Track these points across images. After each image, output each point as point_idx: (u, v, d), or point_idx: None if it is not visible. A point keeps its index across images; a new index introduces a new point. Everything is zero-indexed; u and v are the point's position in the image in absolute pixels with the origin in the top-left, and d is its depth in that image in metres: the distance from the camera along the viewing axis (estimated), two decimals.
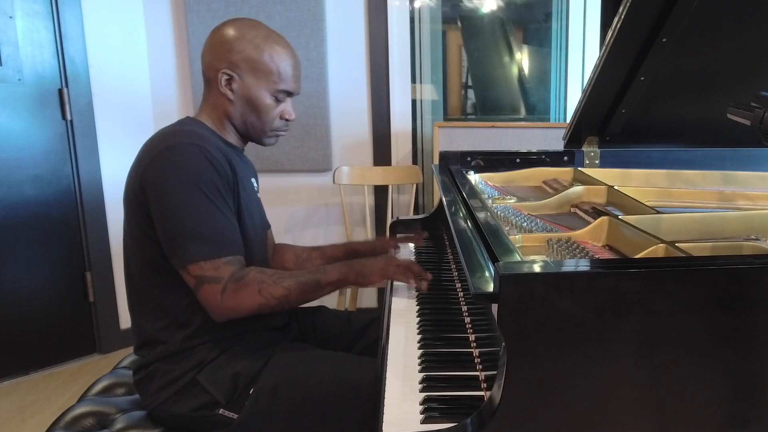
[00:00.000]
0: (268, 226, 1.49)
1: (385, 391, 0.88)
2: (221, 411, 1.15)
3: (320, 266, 1.26)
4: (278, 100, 1.28)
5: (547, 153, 1.76)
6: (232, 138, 1.30)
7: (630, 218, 1.08)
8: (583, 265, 0.78)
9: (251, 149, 2.78)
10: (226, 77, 1.23)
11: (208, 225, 1.12)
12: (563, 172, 1.69)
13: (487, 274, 0.78)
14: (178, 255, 1.12)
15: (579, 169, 1.66)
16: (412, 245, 1.68)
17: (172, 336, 1.19)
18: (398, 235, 1.75)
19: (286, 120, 1.31)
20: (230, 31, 1.23)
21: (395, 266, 1.25)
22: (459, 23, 3.18)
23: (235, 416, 1.15)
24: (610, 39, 1.27)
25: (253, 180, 1.37)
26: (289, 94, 1.29)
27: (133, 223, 1.19)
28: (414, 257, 1.59)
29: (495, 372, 0.73)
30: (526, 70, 3.27)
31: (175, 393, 1.17)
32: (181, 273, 1.14)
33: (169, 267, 1.16)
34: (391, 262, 1.27)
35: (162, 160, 1.13)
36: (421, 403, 0.83)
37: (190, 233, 1.11)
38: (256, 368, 1.18)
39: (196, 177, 1.12)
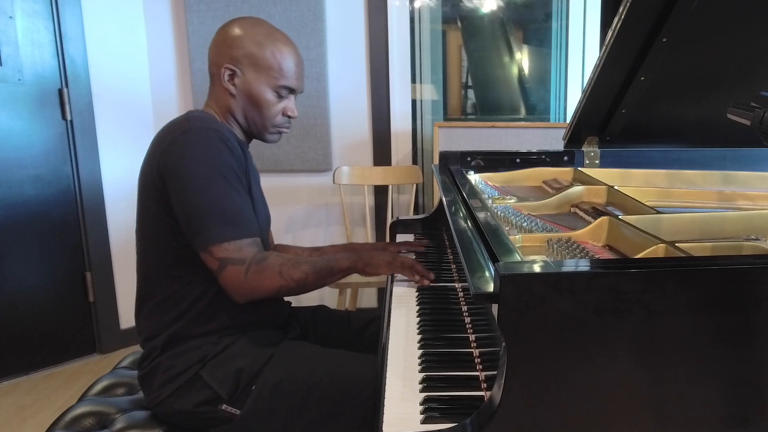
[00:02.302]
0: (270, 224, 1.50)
1: (385, 391, 0.88)
2: (224, 407, 1.16)
3: (333, 255, 1.30)
4: (280, 96, 1.29)
5: (547, 153, 1.76)
6: (237, 133, 1.32)
7: (630, 218, 1.08)
8: (583, 265, 0.78)
9: (251, 148, 2.78)
10: (228, 72, 1.25)
11: (228, 206, 1.15)
12: (563, 172, 1.69)
13: (487, 274, 0.78)
14: (200, 237, 1.14)
15: (579, 169, 1.66)
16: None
17: (178, 327, 1.20)
18: (398, 241, 1.75)
19: (289, 117, 1.33)
20: (234, 28, 1.26)
21: (401, 262, 1.30)
22: (459, 23, 3.18)
23: (238, 412, 1.16)
24: (610, 39, 1.27)
25: (256, 176, 1.38)
26: (292, 90, 1.31)
27: (148, 212, 1.21)
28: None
29: (495, 372, 0.73)
30: (526, 70, 3.27)
31: (179, 388, 1.18)
32: (202, 255, 1.15)
33: (184, 256, 1.18)
34: (397, 257, 1.32)
35: (178, 145, 1.16)
36: (421, 403, 0.83)
37: (212, 215, 1.13)
38: (258, 365, 1.19)
39: (213, 159, 1.15)
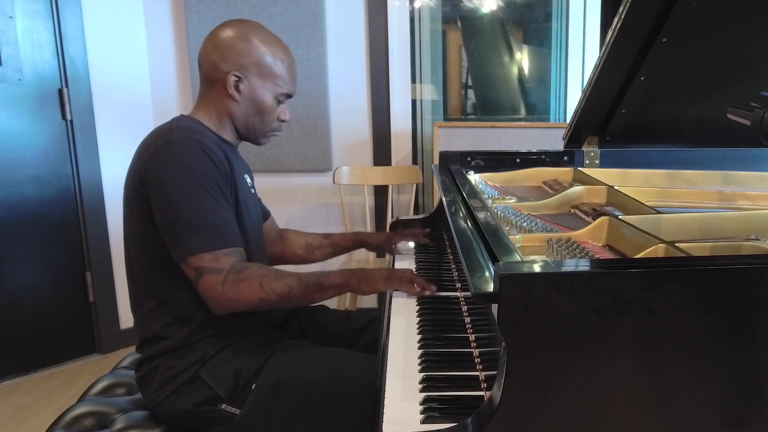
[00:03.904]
0: (268, 216, 1.53)
1: (385, 391, 0.88)
2: (223, 406, 1.16)
3: (325, 271, 1.27)
4: (279, 102, 1.31)
5: (547, 153, 1.76)
6: (229, 136, 1.31)
7: (630, 218, 1.08)
8: (583, 265, 0.78)
9: (251, 149, 2.79)
10: (235, 79, 1.25)
11: (206, 217, 1.14)
12: (563, 172, 1.69)
13: (487, 274, 0.78)
14: (177, 248, 1.13)
15: (579, 169, 1.66)
16: (411, 244, 1.68)
17: (175, 332, 1.20)
18: (402, 231, 1.75)
19: (282, 120, 1.34)
20: (236, 34, 1.25)
21: (399, 276, 1.26)
22: (459, 23, 3.18)
23: (237, 412, 1.16)
24: (610, 39, 1.27)
25: (247, 176, 1.38)
26: (289, 96, 1.33)
27: (134, 219, 1.20)
28: (414, 256, 1.59)
29: (495, 372, 0.73)
30: (526, 70, 3.26)
31: (178, 388, 1.17)
32: (181, 266, 1.14)
33: (170, 263, 1.16)
34: (395, 271, 1.28)
35: (160, 155, 1.15)
36: (421, 403, 0.83)
37: (189, 226, 1.12)
38: (257, 364, 1.19)
39: (194, 170, 1.14)
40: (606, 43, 1.29)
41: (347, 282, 1.23)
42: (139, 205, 1.17)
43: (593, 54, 2.92)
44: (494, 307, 0.70)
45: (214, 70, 1.26)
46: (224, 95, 1.26)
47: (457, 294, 1.26)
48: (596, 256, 0.98)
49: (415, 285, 1.25)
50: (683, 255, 0.85)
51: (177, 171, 1.14)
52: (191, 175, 1.14)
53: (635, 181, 1.57)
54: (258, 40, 1.26)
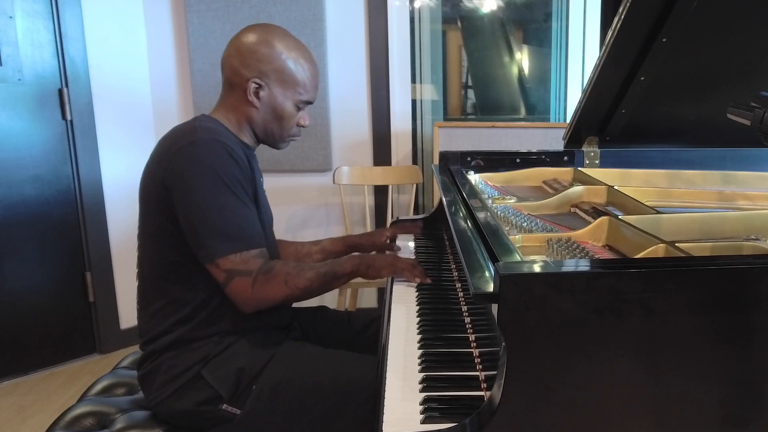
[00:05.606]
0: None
1: (385, 391, 0.88)
2: (224, 406, 1.16)
3: (336, 259, 1.31)
4: (299, 109, 1.32)
5: (547, 153, 1.76)
6: (248, 138, 1.32)
7: (630, 218, 1.08)
8: (583, 265, 0.78)
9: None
10: (255, 86, 1.25)
11: (234, 219, 1.15)
12: (563, 172, 1.69)
13: (487, 274, 0.78)
14: (206, 250, 1.14)
15: (579, 169, 1.66)
16: (411, 244, 1.68)
17: (181, 331, 1.20)
18: (395, 226, 1.76)
19: (301, 126, 1.35)
20: (259, 39, 1.25)
21: (403, 263, 1.32)
22: (459, 23, 3.18)
23: (238, 412, 1.16)
24: (610, 39, 1.27)
25: (261, 179, 1.39)
26: (309, 102, 1.33)
27: (149, 219, 1.21)
28: (414, 257, 1.59)
29: (495, 372, 0.73)
30: (526, 70, 3.27)
31: (180, 387, 1.18)
32: (208, 267, 1.16)
33: (184, 263, 1.18)
34: (400, 258, 1.34)
35: (185, 156, 1.15)
36: (421, 403, 0.83)
37: (218, 228, 1.14)
38: (259, 365, 1.19)
39: (219, 172, 1.15)
40: (606, 43, 1.29)
41: (357, 269, 1.28)
42: (158, 206, 1.18)
43: (593, 54, 2.92)
44: (494, 307, 0.70)
45: (235, 75, 1.26)
46: (244, 100, 1.27)
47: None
48: (596, 256, 0.98)
49: (416, 277, 1.30)
50: (683, 255, 0.85)
51: (203, 172, 1.14)
52: (217, 176, 1.14)
53: (635, 181, 1.57)
54: (281, 46, 1.26)
